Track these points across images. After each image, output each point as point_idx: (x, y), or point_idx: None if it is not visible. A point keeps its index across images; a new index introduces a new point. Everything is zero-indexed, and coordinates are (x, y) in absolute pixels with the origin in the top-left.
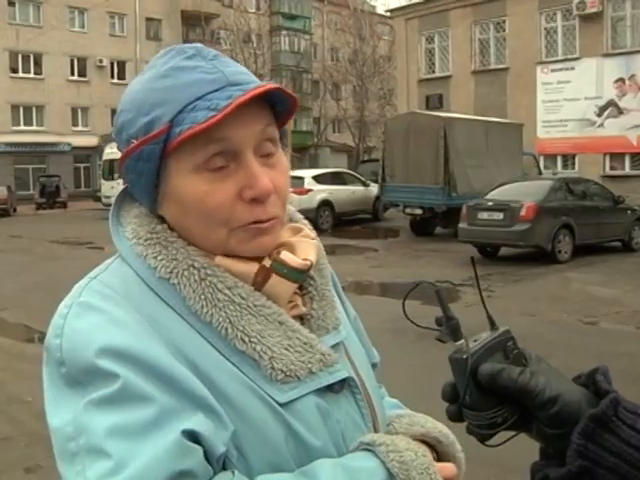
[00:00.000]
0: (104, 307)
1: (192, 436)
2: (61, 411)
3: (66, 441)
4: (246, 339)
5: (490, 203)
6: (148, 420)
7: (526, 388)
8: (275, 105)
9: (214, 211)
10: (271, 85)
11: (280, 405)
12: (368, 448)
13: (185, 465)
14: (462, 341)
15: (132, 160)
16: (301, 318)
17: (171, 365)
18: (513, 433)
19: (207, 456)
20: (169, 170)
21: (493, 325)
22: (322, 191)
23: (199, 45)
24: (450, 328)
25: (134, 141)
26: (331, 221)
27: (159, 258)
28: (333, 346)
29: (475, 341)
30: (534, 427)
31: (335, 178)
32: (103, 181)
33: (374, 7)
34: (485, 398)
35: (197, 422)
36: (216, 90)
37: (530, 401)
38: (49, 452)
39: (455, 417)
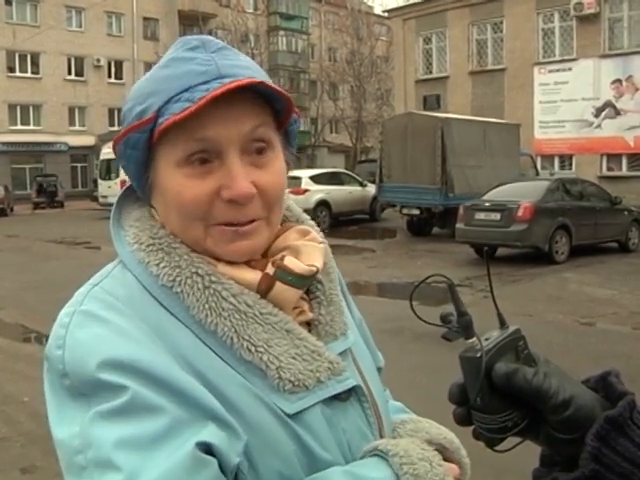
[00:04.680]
0: (107, 316)
1: (206, 448)
2: (66, 423)
3: (74, 454)
4: (252, 349)
5: (487, 203)
6: (159, 431)
7: (540, 390)
8: (273, 103)
9: (189, 206)
10: (248, 79)
11: (288, 416)
12: (381, 455)
13: (200, 478)
14: (474, 339)
15: (121, 146)
16: (308, 324)
17: (178, 376)
18: (519, 438)
19: (222, 467)
20: (156, 161)
21: (503, 323)
22: (319, 191)
23: (207, 37)
24: (462, 324)
25: None
26: (328, 221)
27: (161, 265)
28: (341, 353)
29: (486, 340)
30: (542, 432)
31: (332, 178)
32: (100, 181)
33: (372, 7)
34: (497, 400)
35: (210, 433)
36: (204, 82)
37: (543, 404)
38: (45, 452)
39: (463, 420)
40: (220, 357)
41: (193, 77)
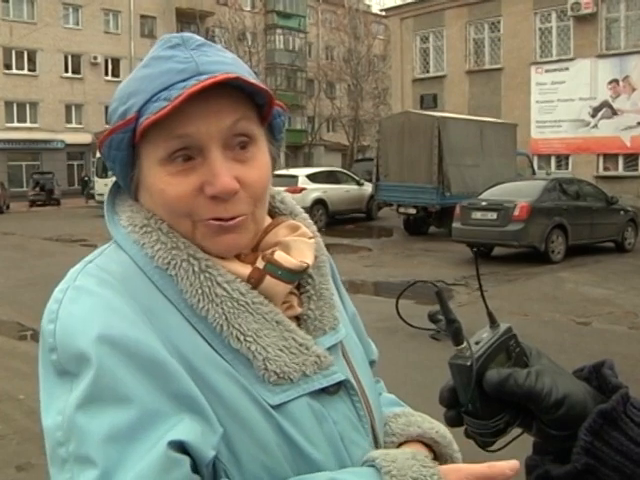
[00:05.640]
0: (101, 292)
1: (179, 446)
2: (52, 409)
3: (57, 446)
4: (241, 337)
5: (484, 203)
6: (134, 424)
7: (532, 392)
8: (254, 98)
9: (174, 203)
10: (223, 75)
11: (272, 407)
12: (375, 465)
13: (171, 478)
14: (464, 344)
15: (105, 148)
16: (298, 319)
17: (164, 360)
18: (513, 436)
19: (197, 462)
20: (140, 160)
21: (494, 322)
22: (316, 190)
23: (187, 34)
24: (452, 331)
25: None
26: (325, 220)
27: (156, 248)
28: (330, 347)
29: (477, 343)
30: (535, 427)
31: (329, 177)
32: (97, 179)
33: (369, 6)
34: (489, 406)
35: (184, 429)
36: (183, 80)
37: (536, 405)
38: (41, 450)
39: (455, 423)
40: (208, 343)
41: (172, 75)
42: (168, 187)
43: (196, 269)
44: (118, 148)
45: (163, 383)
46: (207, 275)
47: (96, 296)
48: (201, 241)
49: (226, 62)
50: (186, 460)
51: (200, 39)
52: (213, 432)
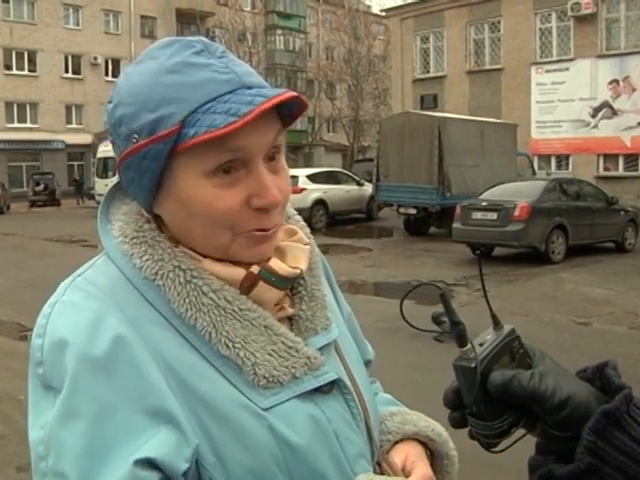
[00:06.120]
0: (88, 306)
1: (148, 462)
2: (37, 423)
3: (39, 460)
4: (230, 344)
5: (484, 203)
6: (108, 440)
7: (536, 394)
8: (280, 109)
9: (221, 216)
10: (292, 93)
11: (263, 410)
12: None
13: None
14: (469, 346)
15: (136, 158)
16: (289, 319)
17: (145, 374)
18: (517, 437)
19: (169, 476)
20: (175, 170)
21: (497, 324)
22: (316, 190)
23: (204, 39)
24: (456, 333)
25: (136, 137)
26: (325, 220)
27: (144, 258)
28: (323, 347)
29: (481, 345)
30: (538, 428)
31: (329, 177)
32: (97, 179)
33: (369, 7)
34: (493, 407)
35: (156, 444)
36: (230, 92)
37: (539, 407)
38: None
39: (459, 424)
40: (198, 350)
41: (217, 86)
42: (215, 200)
43: (182, 280)
44: (154, 159)
45: (141, 397)
46: (192, 286)
47: (83, 310)
48: (237, 251)
49: (254, 72)
50: (154, 477)
51: (219, 45)
52: (187, 444)
